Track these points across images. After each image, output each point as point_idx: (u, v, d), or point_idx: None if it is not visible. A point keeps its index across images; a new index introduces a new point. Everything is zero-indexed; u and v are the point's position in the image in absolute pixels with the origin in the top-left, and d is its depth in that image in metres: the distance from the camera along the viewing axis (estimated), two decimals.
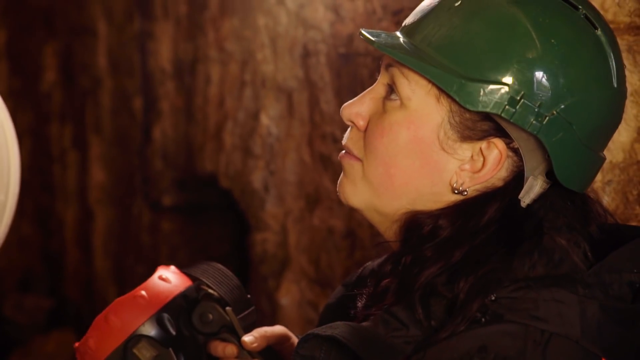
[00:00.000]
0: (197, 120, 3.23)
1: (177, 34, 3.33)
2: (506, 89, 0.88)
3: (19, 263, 5.39)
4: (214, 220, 3.50)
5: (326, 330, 0.89)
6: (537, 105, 0.88)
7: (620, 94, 0.97)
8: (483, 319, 0.82)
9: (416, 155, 0.93)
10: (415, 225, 0.94)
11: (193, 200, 3.54)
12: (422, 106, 0.92)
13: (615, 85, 0.93)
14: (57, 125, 4.71)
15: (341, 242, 2.35)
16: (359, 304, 0.98)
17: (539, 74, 0.89)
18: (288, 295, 2.65)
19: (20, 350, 4.63)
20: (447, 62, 0.89)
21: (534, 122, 0.87)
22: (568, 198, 0.95)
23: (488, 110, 0.88)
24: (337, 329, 0.88)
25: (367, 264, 1.24)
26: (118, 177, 4.05)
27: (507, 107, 0.87)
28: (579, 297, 0.84)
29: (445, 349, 0.82)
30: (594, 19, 0.93)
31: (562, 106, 0.88)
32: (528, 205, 0.92)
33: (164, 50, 3.43)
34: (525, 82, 0.88)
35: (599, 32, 0.92)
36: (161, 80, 3.46)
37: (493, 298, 0.83)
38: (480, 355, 0.80)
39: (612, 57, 0.93)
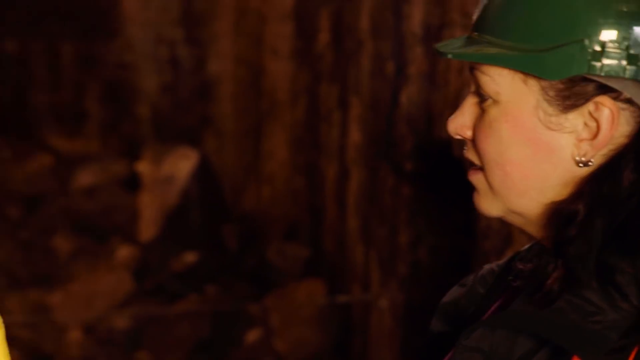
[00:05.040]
0: (439, 86, 3.13)
1: None
2: (583, 44, 0.79)
3: (288, 213, 5.63)
4: (451, 188, 3.34)
5: (498, 321, 0.89)
6: (624, 48, 0.79)
7: None
8: None
9: (525, 144, 0.86)
10: (556, 215, 0.85)
11: (432, 166, 3.43)
12: (513, 95, 0.86)
13: None
14: (326, 86, 4.81)
15: None
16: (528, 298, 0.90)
17: (612, 16, 0.79)
18: None
19: (275, 292, 4.86)
20: (517, 43, 0.83)
21: (628, 66, 0.79)
22: None
23: (574, 73, 0.80)
24: (515, 318, 0.87)
25: (486, 265, 1.14)
26: (370, 139, 4.06)
27: (592, 63, 0.79)
28: None
29: None
30: None
31: None
32: None
33: (417, 13, 3.35)
34: (601, 31, 0.79)
35: None
36: (411, 44, 3.40)
37: None
38: None
39: None
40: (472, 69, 0.89)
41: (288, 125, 5.65)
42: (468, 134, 0.91)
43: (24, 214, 6.59)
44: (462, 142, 0.95)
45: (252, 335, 4.66)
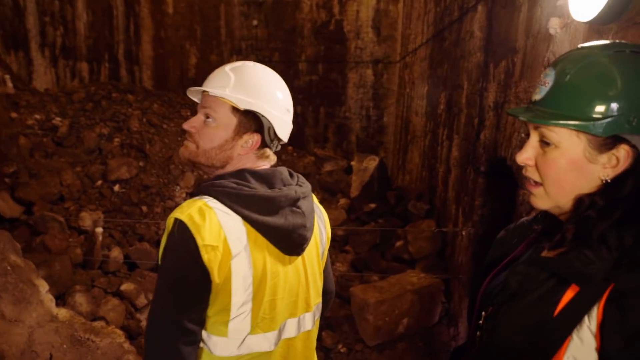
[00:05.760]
0: (500, 130, 2.83)
1: None
2: (621, 117, 0.70)
3: (419, 188, 5.39)
4: (503, 180, 3.06)
5: (542, 262, 0.77)
6: (636, 120, 0.69)
7: None
8: None
9: (574, 171, 0.75)
10: (580, 201, 0.75)
11: (493, 169, 3.12)
12: (568, 143, 0.74)
13: None
14: (442, 129, 4.50)
15: None
16: (545, 245, 0.80)
17: (632, 104, 0.69)
18: None
19: (411, 224, 4.70)
20: (578, 114, 0.72)
21: (637, 129, 0.69)
22: None
23: (615, 133, 0.70)
24: (548, 262, 0.75)
25: (522, 219, 0.99)
26: (463, 155, 3.78)
27: (626, 126, 0.70)
28: None
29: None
30: None
31: None
32: None
33: (490, 96, 3.06)
34: (631, 109, 0.69)
35: None
36: (487, 110, 3.13)
37: None
38: None
39: None
40: (538, 127, 0.77)
41: (421, 148, 5.47)
42: (530, 163, 0.79)
43: None
44: (520, 166, 0.82)
45: (398, 243, 4.59)
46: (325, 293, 1.24)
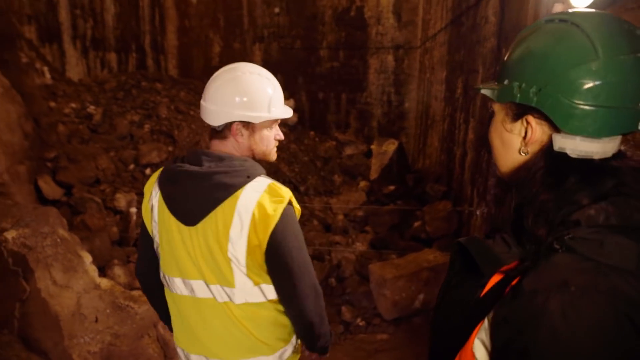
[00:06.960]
0: None
1: None
2: (510, 85, 0.69)
3: (437, 171, 5.40)
4: None
5: (464, 240, 0.74)
6: (530, 89, 0.66)
7: (609, 59, 0.63)
8: (560, 250, 0.60)
9: (498, 139, 0.75)
10: (518, 176, 0.72)
11: None
12: (497, 112, 0.74)
13: (601, 56, 0.63)
14: (459, 113, 4.53)
15: None
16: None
17: (528, 72, 0.67)
18: None
19: (428, 205, 4.76)
20: (498, 85, 0.72)
21: (533, 97, 0.66)
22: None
23: (508, 100, 0.69)
24: (469, 241, 0.72)
25: None
26: (478, 138, 3.85)
27: (516, 94, 0.67)
28: (637, 244, 0.58)
29: (540, 275, 0.60)
30: (567, 17, 0.67)
31: (548, 85, 0.65)
32: (613, 172, 0.64)
33: None
34: (520, 80, 0.68)
35: (568, 24, 0.66)
36: None
37: (570, 236, 0.60)
38: (562, 290, 0.56)
39: (591, 39, 0.63)
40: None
41: (439, 132, 5.52)
42: None
43: (322, 165, 6.69)
44: None
45: (417, 224, 4.66)
46: (295, 317, 1.18)
